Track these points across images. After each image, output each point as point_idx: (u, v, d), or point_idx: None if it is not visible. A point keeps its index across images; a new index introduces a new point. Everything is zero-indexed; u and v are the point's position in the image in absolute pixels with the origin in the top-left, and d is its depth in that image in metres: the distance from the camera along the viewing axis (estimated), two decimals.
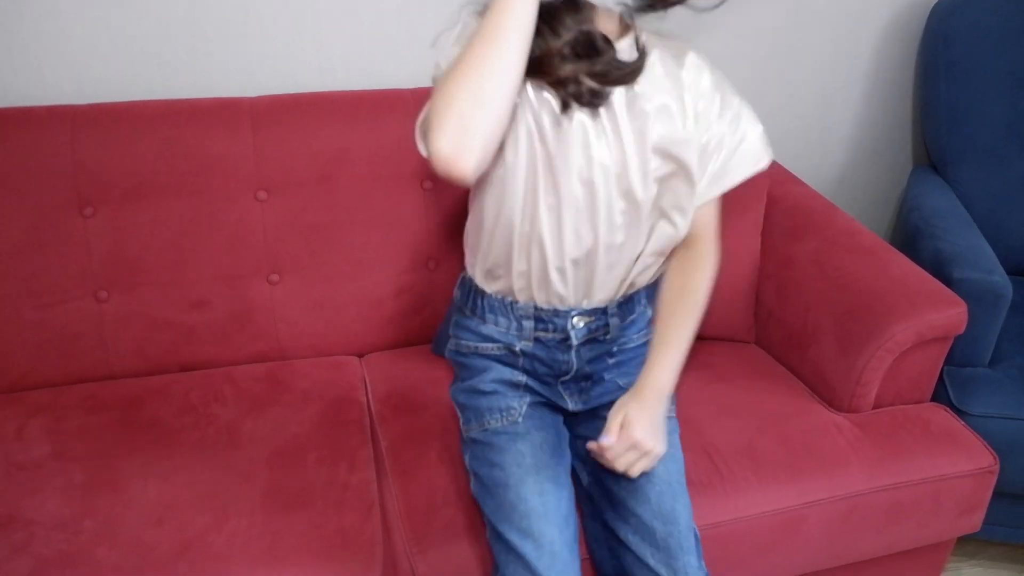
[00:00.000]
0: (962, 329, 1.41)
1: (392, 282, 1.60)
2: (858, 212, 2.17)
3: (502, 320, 1.21)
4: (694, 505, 1.19)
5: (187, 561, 1.12)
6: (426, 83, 1.63)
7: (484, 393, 1.21)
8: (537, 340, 1.20)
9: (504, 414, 1.18)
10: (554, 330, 1.19)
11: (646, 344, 1.21)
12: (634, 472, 1.09)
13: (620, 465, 1.09)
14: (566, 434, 1.24)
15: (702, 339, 1.61)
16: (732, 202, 1.58)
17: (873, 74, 2.05)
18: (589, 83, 1.04)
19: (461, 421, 1.24)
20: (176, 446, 1.34)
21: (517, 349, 1.21)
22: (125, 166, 1.48)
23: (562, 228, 1.11)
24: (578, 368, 1.21)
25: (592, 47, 1.03)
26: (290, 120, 1.57)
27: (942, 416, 1.43)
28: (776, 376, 1.54)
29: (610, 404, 1.13)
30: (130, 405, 1.44)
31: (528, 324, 1.20)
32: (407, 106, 1.62)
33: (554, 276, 1.15)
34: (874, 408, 1.44)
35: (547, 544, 1.07)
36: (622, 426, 1.08)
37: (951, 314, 1.39)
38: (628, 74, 1.06)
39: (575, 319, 1.19)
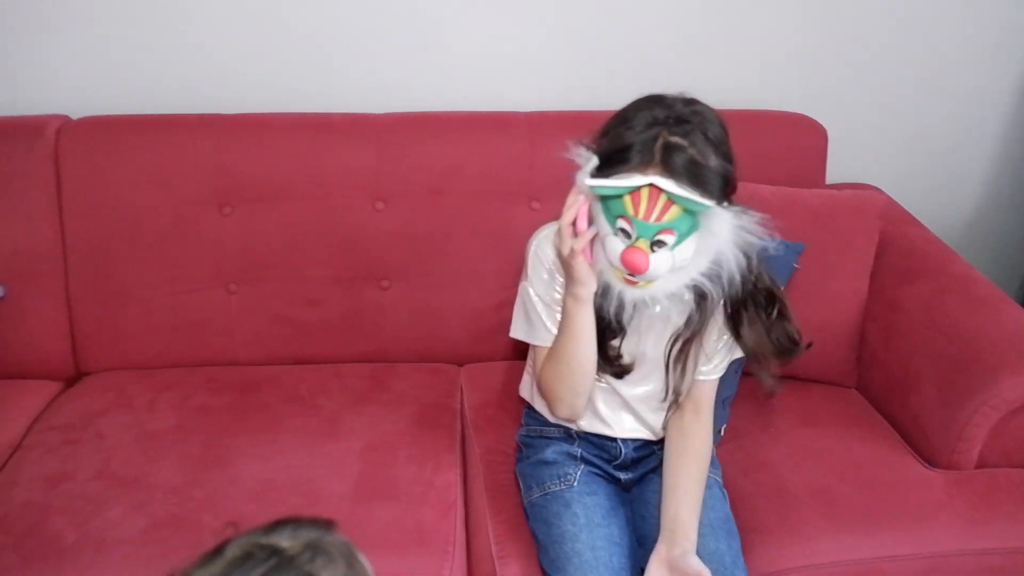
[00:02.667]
0: None
1: (494, 295, 1.67)
2: (988, 260, 2.06)
3: None
4: (762, 551, 1.19)
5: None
6: (541, 107, 1.73)
7: (545, 463, 1.30)
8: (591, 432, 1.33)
9: (561, 479, 1.26)
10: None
11: None
12: None
13: None
14: (622, 499, 1.30)
15: (798, 380, 1.60)
16: (840, 242, 1.56)
17: (1013, 116, 1.95)
18: None
19: (523, 491, 1.31)
20: (281, 431, 1.46)
21: (573, 432, 1.33)
22: (260, 171, 1.63)
23: None
24: (626, 454, 1.32)
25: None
26: (410, 136, 1.67)
27: None
28: (871, 424, 1.50)
29: (657, 468, 1.27)
30: (247, 389, 1.57)
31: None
32: (520, 128, 1.69)
33: None
34: (977, 467, 1.37)
35: None
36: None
37: None
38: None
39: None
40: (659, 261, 1.06)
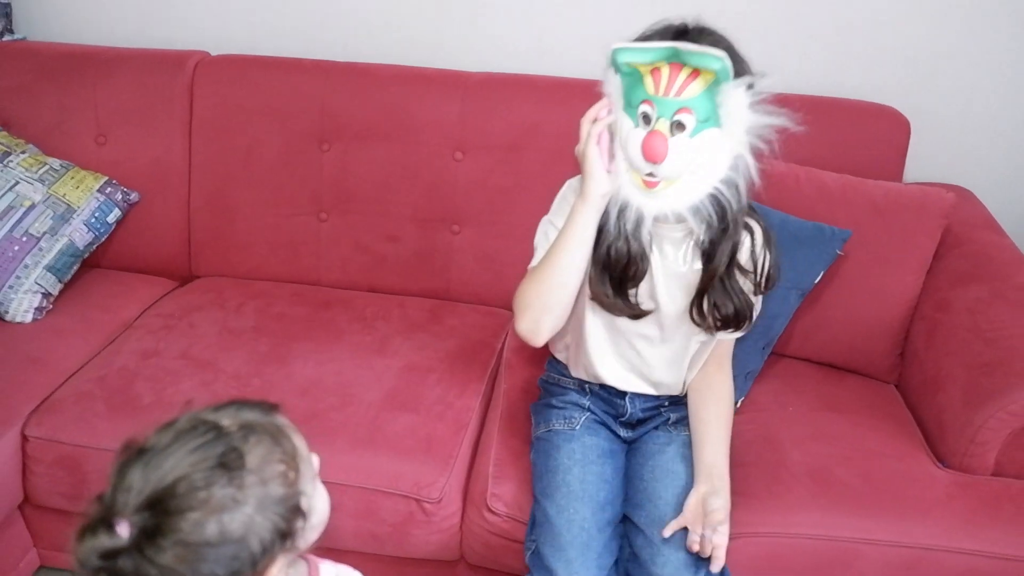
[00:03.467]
0: None
1: None
2: None
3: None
4: (743, 514, 1.24)
5: (310, 425, 1.39)
6: None
7: (555, 407, 1.38)
8: (601, 385, 1.37)
9: (566, 421, 1.34)
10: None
11: None
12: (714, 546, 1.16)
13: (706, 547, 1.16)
14: (620, 447, 1.36)
15: (836, 368, 1.61)
16: (898, 237, 1.55)
17: None
18: None
19: (533, 426, 1.41)
20: (339, 343, 1.64)
21: (586, 387, 1.38)
22: (359, 114, 1.81)
23: None
24: (632, 413, 1.36)
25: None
26: (495, 95, 1.80)
27: None
28: (895, 419, 1.48)
29: (660, 426, 1.34)
30: (321, 306, 1.78)
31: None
32: (599, 95, 1.77)
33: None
34: (992, 475, 1.34)
35: (579, 521, 1.21)
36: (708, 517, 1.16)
37: None
38: None
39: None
40: (678, 146, 1.06)
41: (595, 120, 1.14)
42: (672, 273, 1.24)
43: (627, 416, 1.37)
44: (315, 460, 0.88)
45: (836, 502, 1.29)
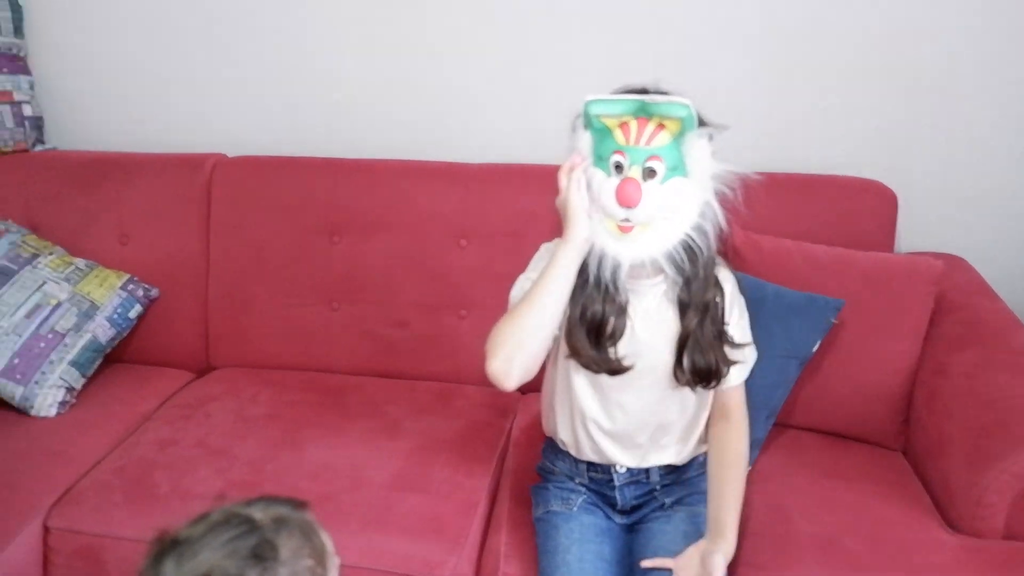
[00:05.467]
0: None
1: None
2: None
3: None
4: None
5: (322, 508, 1.42)
6: None
7: (552, 489, 1.39)
8: (590, 478, 1.38)
9: (564, 502, 1.36)
10: (602, 471, 1.37)
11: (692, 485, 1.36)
12: None
13: None
14: (620, 527, 1.37)
15: (842, 437, 1.62)
16: (891, 305, 1.59)
17: None
18: None
19: (533, 507, 1.42)
20: (349, 428, 1.68)
21: (576, 479, 1.40)
22: (365, 207, 1.90)
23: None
24: (624, 503, 1.37)
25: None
26: (495, 184, 1.89)
27: None
28: (902, 485, 1.49)
29: (656, 509, 1.35)
30: (332, 392, 1.82)
31: (582, 465, 1.38)
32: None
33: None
34: (1003, 538, 1.33)
35: None
36: (706, 570, 1.19)
37: None
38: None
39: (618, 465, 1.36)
40: (650, 190, 1.12)
41: (572, 169, 1.19)
42: (652, 329, 1.26)
43: (619, 505, 1.38)
44: (337, 561, 0.90)
45: (845, 572, 1.29)
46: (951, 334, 1.59)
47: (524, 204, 1.85)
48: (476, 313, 1.88)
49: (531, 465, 1.56)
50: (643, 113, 1.14)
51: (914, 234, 1.90)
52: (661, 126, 1.14)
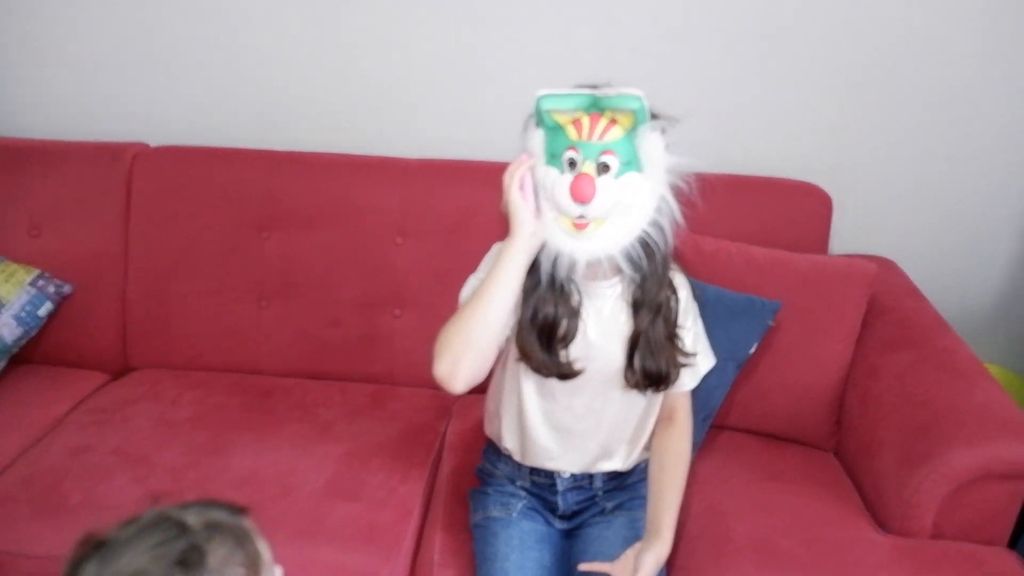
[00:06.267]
0: None
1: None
2: (1010, 342, 2.01)
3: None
4: None
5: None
6: None
7: (491, 494, 1.37)
8: (533, 482, 1.36)
9: (503, 507, 1.33)
10: (545, 476, 1.35)
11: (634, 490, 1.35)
12: None
13: None
14: (559, 533, 1.35)
15: (776, 439, 1.63)
16: (826, 307, 1.60)
17: None
18: None
19: (471, 513, 1.38)
20: (278, 432, 1.61)
21: (517, 483, 1.37)
22: (300, 201, 1.83)
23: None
24: (565, 507, 1.35)
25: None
26: (434, 180, 1.84)
27: (1005, 562, 1.31)
28: (835, 486, 1.51)
29: (596, 514, 1.33)
30: (260, 394, 1.75)
31: (525, 469, 1.36)
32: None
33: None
34: (932, 537, 1.36)
35: None
36: (636, 569, 1.19)
37: None
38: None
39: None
40: (605, 185, 1.09)
41: (517, 163, 1.17)
42: (605, 331, 1.24)
43: (560, 510, 1.35)
44: (278, 572, 0.85)
45: (781, 573, 1.29)
46: (883, 336, 1.62)
47: (463, 201, 1.81)
48: (412, 312, 1.83)
49: (468, 468, 1.52)
50: (595, 108, 1.12)
51: (845, 236, 1.93)
52: (613, 121, 1.11)
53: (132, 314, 1.86)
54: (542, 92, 1.13)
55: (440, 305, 1.78)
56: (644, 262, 1.17)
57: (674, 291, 1.25)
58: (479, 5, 1.88)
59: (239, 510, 0.85)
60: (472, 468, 1.51)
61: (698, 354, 1.29)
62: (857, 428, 1.55)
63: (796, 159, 1.91)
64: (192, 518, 0.80)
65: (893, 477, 1.40)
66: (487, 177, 1.80)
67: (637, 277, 1.20)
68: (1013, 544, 1.39)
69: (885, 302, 1.68)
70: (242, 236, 1.84)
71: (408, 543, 1.38)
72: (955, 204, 1.95)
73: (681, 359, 1.25)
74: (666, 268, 1.22)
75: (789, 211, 1.81)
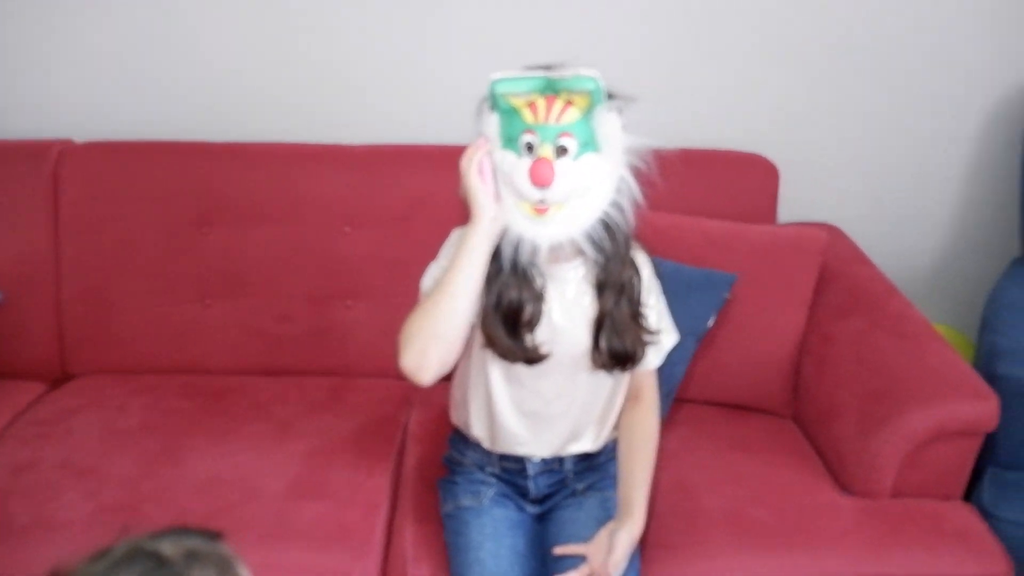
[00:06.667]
0: (993, 426, 1.35)
1: None
2: (951, 303, 2.08)
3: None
4: (665, 564, 1.25)
5: (213, 525, 1.31)
6: None
7: (461, 483, 1.34)
8: (503, 468, 1.34)
9: (474, 496, 1.31)
10: (515, 461, 1.33)
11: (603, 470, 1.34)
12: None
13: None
14: (532, 517, 1.34)
15: (735, 408, 1.65)
16: (779, 276, 1.62)
17: (975, 160, 1.99)
18: None
19: (440, 504, 1.35)
20: (235, 435, 1.56)
21: (487, 469, 1.35)
22: (242, 195, 1.76)
23: None
24: (536, 491, 1.34)
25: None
26: (381, 166, 1.79)
27: (963, 515, 1.36)
28: (797, 452, 1.54)
29: (568, 496, 1.32)
30: (213, 396, 1.69)
31: (495, 456, 1.34)
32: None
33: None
34: (892, 497, 1.40)
35: None
36: (610, 549, 1.19)
37: (979, 408, 1.35)
38: None
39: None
40: (563, 168, 1.08)
41: (474, 154, 1.15)
42: (570, 314, 1.23)
43: (531, 494, 1.35)
44: None
45: (754, 543, 1.32)
46: (834, 303, 1.65)
47: (413, 187, 1.78)
48: (365, 303, 1.79)
49: (434, 458, 1.50)
50: (550, 90, 1.10)
51: (791, 205, 1.96)
52: (570, 103, 1.10)
53: (68, 319, 1.77)
54: (496, 76, 1.11)
55: (394, 294, 1.77)
56: (606, 243, 1.17)
57: (636, 270, 1.24)
58: None
59: (215, 535, 0.81)
60: (438, 457, 1.49)
61: (662, 332, 1.29)
62: (815, 394, 1.58)
63: (739, 131, 1.93)
64: (168, 548, 0.76)
65: (853, 441, 1.43)
66: (437, 162, 1.79)
67: (600, 258, 1.19)
68: (967, 497, 1.44)
69: (834, 269, 1.71)
70: (181, 233, 1.77)
71: (378, 539, 1.36)
72: (894, 169, 2.00)
73: (646, 337, 1.24)
74: (628, 247, 1.22)
75: (737, 182, 1.83)
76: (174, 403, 1.66)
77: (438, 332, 1.14)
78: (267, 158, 1.78)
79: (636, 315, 1.24)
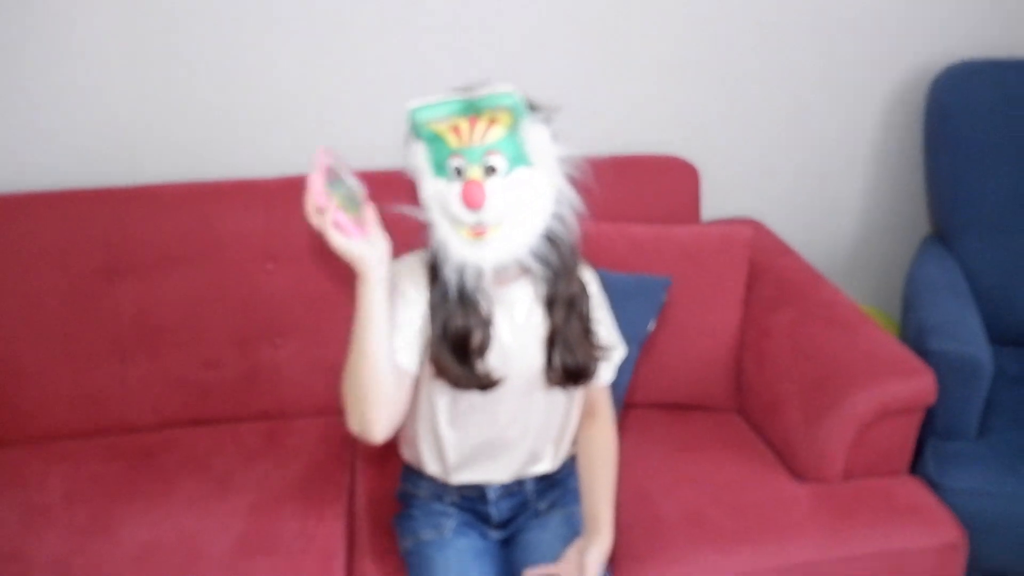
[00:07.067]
0: (932, 400, 1.40)
1: None
2: (872, 283, 2.16)
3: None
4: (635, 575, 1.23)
5: None
6: None
7: (418, 517, 1.30)
8: (462, 496, 1.30)
9: (434, 528, 1.27)
10: (474, 489, 1.30)
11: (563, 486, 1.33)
12: None
13: None
14: (496, 543, 1.31)
15: (682, 408, 1.66)
16: (711, 275, 1.64)
17: (880, 145, 2.07)
18: None
19: (399, 542, 1.31)
20: (172, 494, 1.47)
21: (445, 499, 1.31)
22: (152, 241, 1.67)
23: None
24: (498, 516, 1.31)
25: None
26: (299, 199, 1.70)
27: (912, 489, 1.40)
28: (746, 446, 1.55)
29: (531, 518, 1.30)
30: (142, 455, 1.59)
31: (451, 486, 1.30)
32: (410, 187, 1.75)
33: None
34: (844, 479, 1.43)
35: None
36: (582, 568, 1.17)
37: (917, 384, 1.39)
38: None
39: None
40: (494, 188, 1.06)
41: (319, 211, 1.05)
42: (522, 335, 1.21)
43: (493, 519, 1.31)
44: None
45: (716, 543, 1.32)
46: (766, 296, 1.68)
47: None
48: (294, 340, 1.72)
49: (386, 494, 1.45)
50: (471, 111, 1.08)
51: (709, 203, 1.99)
52: (493, 121, 1.08)
53: None
54: (414, 104, 1.08)
55: (323, 328, 1.71)
56: (552, 258, 1.15)
57: (583, 286, 1.23)
58: (322, 12, 1.78)
59: None
60: (390, 493, 1.44)
61: (613, 347, 1.28)
62: (757, 387, 1.61)
63: (653, 134, 1.95)
64: None
65: (800, 429, 1.45)
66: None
67: (547, 274, 1.17)
68: (912, 471, 1.49)
69: (761, 263, 1.74)
70: (88, 288, 1.66)
71: None
72: (805, 160, 2.06)
73: (597, 352, 1.23)
74: (575, 260, 1.20)
75: (659, 185, 1.84)
76: (98, 468, 1.55)
77: (369, 395, 1.10)
78: (176, 199, 1.70)
79: (587, 331, 1.22)
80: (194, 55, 1.77)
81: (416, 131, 1.10)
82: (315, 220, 1.06)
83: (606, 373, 1.29)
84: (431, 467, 1.28)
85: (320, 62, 1.82)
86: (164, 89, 1.78)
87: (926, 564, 1.33)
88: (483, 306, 1.16)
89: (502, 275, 1.15)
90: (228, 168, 1.83)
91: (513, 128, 1.08)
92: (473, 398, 1.20)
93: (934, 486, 1.44)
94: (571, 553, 1.21)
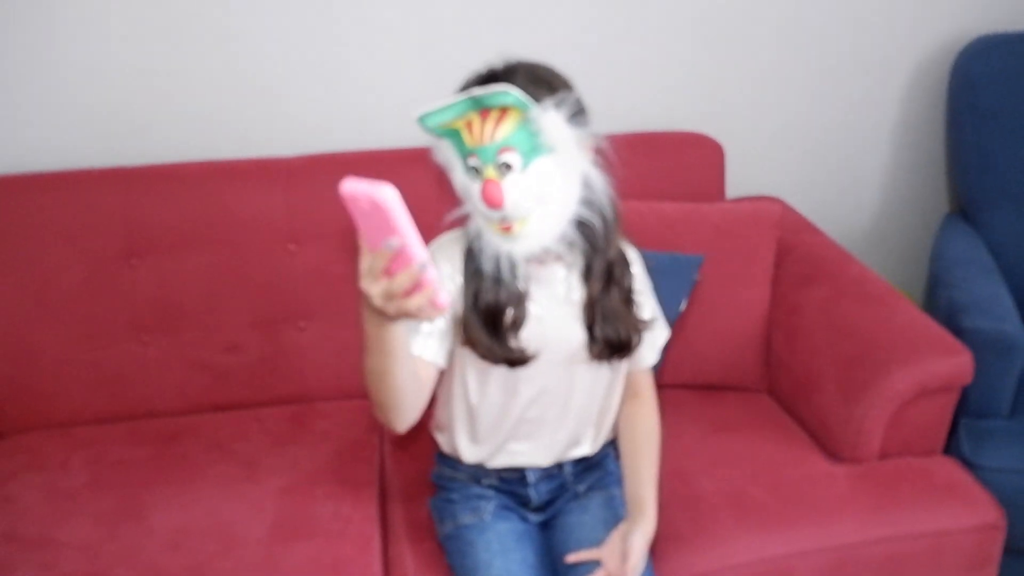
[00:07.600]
0: (968, 379, 1.39)
1: None
2: (892, 261, 2.15)
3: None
4: (677, 557, 1.22)
5: None
6: None
7: (457, 500, 1.29)
8: (500, 478, 1.29)
9: (473, 512, 1.26)
10: (514, 471, 1.29)
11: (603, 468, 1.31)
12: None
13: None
14: (536, 525, 1.30)
15: (712, 388, 1.65)
16: (740, 253, 1.62)
17: (902, 121, 2.05)
18: None
19: (437, 525, 1.30)
20: (200, 479, 1.45)
21: (483, 481, 1.30)
22: (170, 221, 1.63)
23: None
24: (537, 498, 1.30)
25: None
26: (320, 177, 1.69)
27: (949, 468, 1.40)
28: (780, 425, 1.54)
29: (570, 501, 1.29)
30: (165, 441, 1.56)
31: (491, 469, 1.29)
32: (429, 163, 1.72)
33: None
34: (880, 459, 1.42)
35: None
36: (626, 553, 1.16)
37: (955, 363, 1.38)
38: None
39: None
40: (511, 185, 1.04)
41: (379, 275, 0.89)
42: (561, 311, 1.19)
43: (533, 502, 1.30)
44: None
45: (759, 522, 1.31)
46: (795, 273, 1.66)
47: None
48: (318, 322, 1.69)
49: (419, 476, 1.44)
50: (480, 106, 1.04)
51: (733, 181, 1.97)
52: (504, 112, 1.04)
53: None
54: (419, 113, 1.05)
55: (348, 309, 1.68)
56: (586, 241, 1.14)
57: (627, 263, 1.21)
58: None
59: None
60: (422, 475, 1.43)
61: (656, 324, 1.26)
62: (789, 366, 1.59)
63: (677, 111, 1.93)
64: None
65: (836, 408, 1.44)
66: (375, 167, 1.70)
67: (585, 248, 1.15)
68: (946, 450, 1.48)
69: (788, 240, 1.73)
70: (107, 269, 1.62)
71: (377, 572, 1.28)
72: (827, 137, 2.04)
73: (640, 325, 1.21)
74: (611, 239, 1.18)
75: (684, 163, 1.82)
76: (122, 454, 1.53)
77: (390, 401, 1.06)
78: (196, 178, 1.66)
79: (627, 301, 1.20)
80: (214, 25, 1.73)
81: (432, 133, 1.08)
82: (373, 288, 0.89)
83: (650, 355, 1.27)
84: (469, 455, 1.27)
85: (332, 31, 1.77)
86: (183, 61, 1.73)
87: (966, 544, 1.32)
88: (518, 283, 1.14)
89: (538, 259, 1.14)
90: (244, 147, 1.79)
91: (524, 120, 1.05)
92: (518, 377, 1.18)
93: (969, 465, 1.43)
94: (614, 537, 1.20)
